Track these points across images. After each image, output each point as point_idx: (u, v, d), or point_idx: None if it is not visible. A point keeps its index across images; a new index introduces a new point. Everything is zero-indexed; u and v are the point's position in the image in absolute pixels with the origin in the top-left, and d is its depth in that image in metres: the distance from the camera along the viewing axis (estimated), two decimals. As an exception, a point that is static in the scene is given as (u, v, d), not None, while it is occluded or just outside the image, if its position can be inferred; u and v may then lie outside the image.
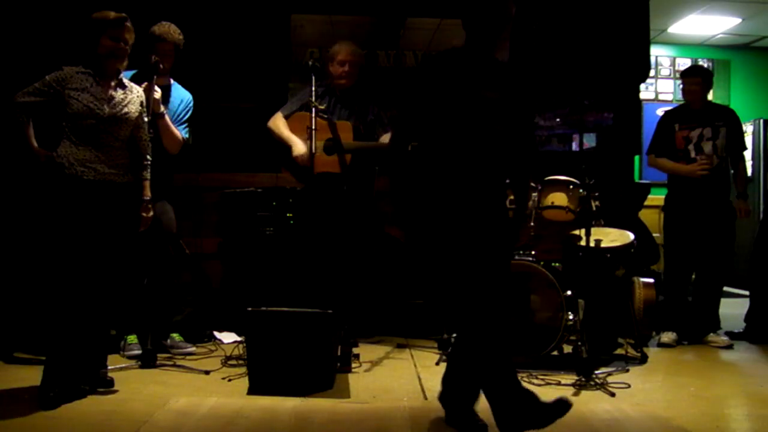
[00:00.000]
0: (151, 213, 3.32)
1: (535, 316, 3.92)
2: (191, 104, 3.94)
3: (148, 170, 3.28)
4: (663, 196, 4.74)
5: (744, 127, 5.41)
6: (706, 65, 7.45)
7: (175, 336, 4.03)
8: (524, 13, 5.17)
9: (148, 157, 3.28)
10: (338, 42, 4.36)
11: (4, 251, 4.18)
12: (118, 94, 3.13)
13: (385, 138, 4.28)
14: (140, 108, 3.21)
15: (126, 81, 3.21)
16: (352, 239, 4.23)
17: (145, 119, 3.27)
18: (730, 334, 4.61)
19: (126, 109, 3.14)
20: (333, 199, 4.15)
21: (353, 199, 4.20)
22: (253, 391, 3.16)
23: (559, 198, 3.86)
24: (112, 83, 3.12)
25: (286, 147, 4.21)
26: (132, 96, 3.19)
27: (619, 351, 4.01)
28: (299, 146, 4.16)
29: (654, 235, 4.95)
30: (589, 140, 5.46)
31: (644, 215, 5.02)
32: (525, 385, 3.38)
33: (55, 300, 3.04)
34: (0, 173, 4.28)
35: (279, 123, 4.30)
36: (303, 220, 4.38)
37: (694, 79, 4.53)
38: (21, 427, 2.66)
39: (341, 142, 4.16)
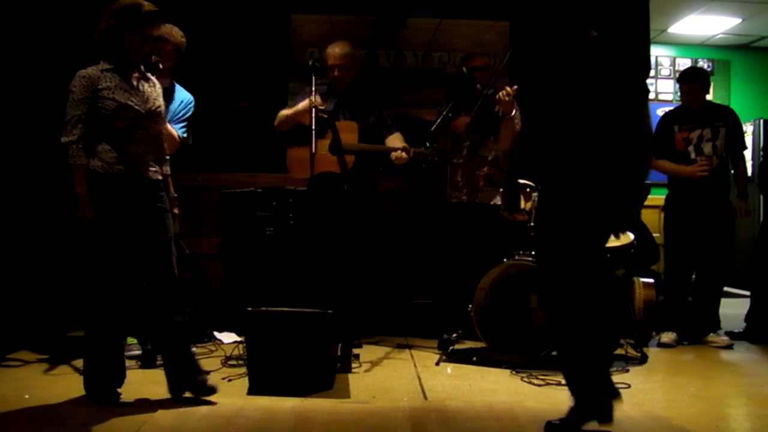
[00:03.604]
0: (177, 210, 3.25)
1: (535, 316, 3.93)
2: (191, 105, 3.93)
3: (169, 166, 3.20)
4: (663, 196, 4.74)
5: (744, 127, 5.41)
6: (706, 65, 7.45)
7: (175, 336, 4.02)
8: (524, 13, 5.20)
9: (168, 152, 3.19)
10: (330, 44, 4.34)
11: (3, 251, 4.18)
12: (146, 88, 3.02)
13: (392, 140, 4.27)
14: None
15: (147, 73, 3.08)
16: (352, 239, 4.23)
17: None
18: (730, 334, 4.60)
19: (158, 103, 3.03)
20: (334, 199, 4.14)
21: (355, 199, 4.19)
22: (253, 391, 3.16)
23: (559, 198, 3.86)
24: (136, 74, 2.99)
25: (297, 124, 4.11)
26: (158, 89, 3.08)
27: (619, 351, 4.01)
28: (304, 102, 4.05)
29: (654, 235, 4.95)
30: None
31: (644, 215, 5.01)
32: (525, 385, 3.42)
33: (95, 300, 2.97)
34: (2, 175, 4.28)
35: (281, 113, 4.26)
36: (303, 220, 4.38)
37: (691, 86, 4.52)
38: (21, 427, 2.66)
39: (341, 143, 4.15)
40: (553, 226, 2.66)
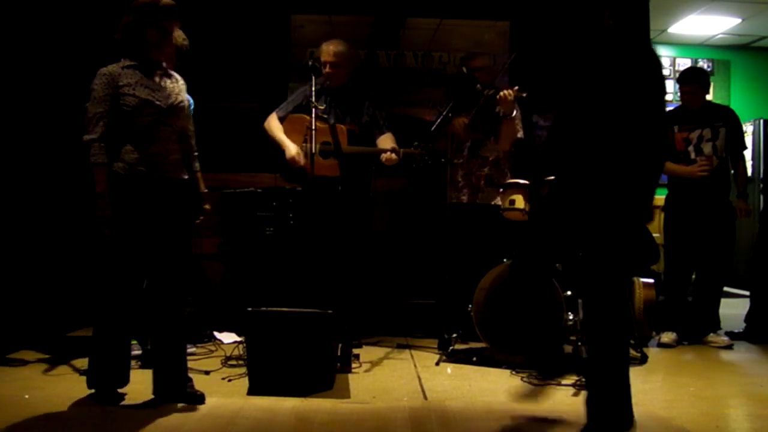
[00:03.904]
0: (208, 206, 3.22)
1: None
2: (191, 108, 3.93)
3: (198, 162, 3.17)
4: (663, 196, 4.74)
5: (744, 127, 5.41)
6: (706, 65, 7.45)
7: (175, 336, 4.02)
8: (524, 13, 5.20)
9: (195, 148, 3.16)
10: (324, 42, 4.34)
11: (3, 252, 4.18)
12: (168, 83, 2.99)
13: (383, 141, 4.26)
14: (187, 97, 3.08)
15: (169, 70, 3.06)
16: (349, 239, 4.23)
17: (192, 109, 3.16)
18: (730, 334, 4.60)
19: (180, 98, 3.01)
20: (329, 201, 4.14)
21: (350, 200, 4.19)
22: (253, 391, 3.16)
23: (559, 198, 3.87)
24: (158, 71, 2.98)
25: (280, 150, 4.21)
26: (179, 85, 3.06)
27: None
28: (291, 149, 4.17)
29: (654, 235, 4.95)
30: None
31: (644, 215, 5.01)
32: (525, 385, 3.42)
33: (105, 299, 2.95)
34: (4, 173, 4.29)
35: (273, 125, 4.30)
36: (301, 221, 4.38)
37: (691, 87, 4.51)
38: (21, 427, 2.66)
39: (341, 146, 4.15)
40: (561, 218, 2.62)
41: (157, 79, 2.96)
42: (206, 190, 3.20)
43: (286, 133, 4.25)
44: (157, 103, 2.90)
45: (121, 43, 2.93)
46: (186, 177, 3.06)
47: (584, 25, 2.63)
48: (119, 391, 3.01)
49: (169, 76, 3.03)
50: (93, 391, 2.99)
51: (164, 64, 3.02)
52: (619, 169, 2.51)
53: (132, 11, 2.90)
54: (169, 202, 2.95)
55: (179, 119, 3.00)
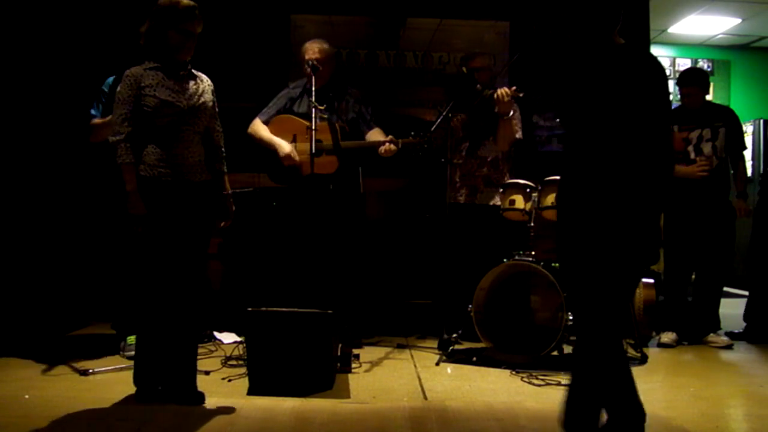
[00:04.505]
0: (234, 207, 3.21)
1: (535, 316, 3.93)
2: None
3: (224, 162, 3.17)
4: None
5: (744, 127, 5.41)
6: (706, 65, 7.46)
7: (175, 336, 4.02)
8: (524, 13, 5.20)
9: (223, 148, 3.16)
10: (308, 41, 4.31)
11: (4, 252, 4.19)
12: (191, 84, 3.00)
13: (372, 136, 4.25)
14: (213, 97, 3.09)
15: (194, 71, 3.07)
16: (346, 237, 4.22)
17: (217, 109, 3.16)
18: (730, 334, 4.61)
19: (202, 99, 3.01)
20: (323, 199, 4.13)
21: (342, 198, 4.18)
22: (253, 391, 3.16)
23: (559, 198, 3.87)
24: (182, 73, 2.99)
25: (270, 151, 4.19)
26: (204, 85, 3.06)
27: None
28: (285, 146, 4.16)
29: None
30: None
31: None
32: (525, 385, 3.42)
33: (143, 305, 2.98)
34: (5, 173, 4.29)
35: (260, 128, 4.28)
36: (300, 220, 4.38)
37: (691, 89, 4.52)
38: (21, 427, 2.66)
39: (339, 142, 4.15)
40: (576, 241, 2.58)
41: (180, 80, 2.97)
42: (230, 191, 3.19)
43: (274, 134, 4.24)
44: (177, 104, 2.92)
45: (144, 46, 2.96)
46: (206, 179, 3.05)
47: (593, 43, 2.56)
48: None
49: (194, 77, 3.04)
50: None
51: (189, 66, 3.03)
52: (633, 178, 2.49)
53: (152, 16, 2.93)
54: (188, 206, 2.96)
55: (201, 120, 3.01)
